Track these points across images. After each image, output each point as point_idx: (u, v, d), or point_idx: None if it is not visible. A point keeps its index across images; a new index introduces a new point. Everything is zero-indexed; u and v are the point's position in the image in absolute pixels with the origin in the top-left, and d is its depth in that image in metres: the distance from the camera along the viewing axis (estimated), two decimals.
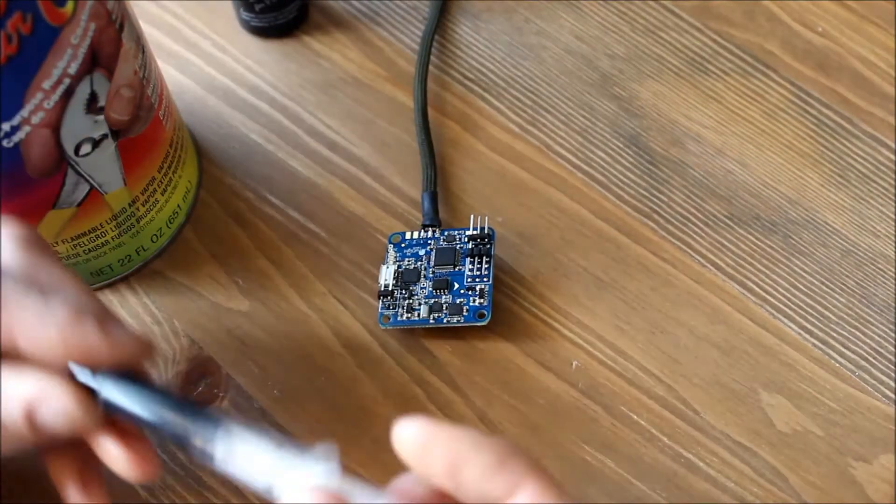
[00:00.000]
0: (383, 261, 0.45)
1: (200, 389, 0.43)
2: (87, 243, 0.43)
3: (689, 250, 0.46)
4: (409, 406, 0.42)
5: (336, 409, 0.43)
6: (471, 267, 0.44)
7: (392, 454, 0.42)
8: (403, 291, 0.44)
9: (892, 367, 0.43)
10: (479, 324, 0.43)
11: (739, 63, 0.50)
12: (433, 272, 0.44)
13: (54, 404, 0.33)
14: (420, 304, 0.44)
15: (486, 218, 0.45)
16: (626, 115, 0.49)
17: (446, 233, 0.45)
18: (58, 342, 0.33)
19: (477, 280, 0.44)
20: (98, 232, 0.43)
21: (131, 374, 0.34)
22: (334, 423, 0.42)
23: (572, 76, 0.50)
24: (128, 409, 0.34)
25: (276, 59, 0.52)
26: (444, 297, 0.44)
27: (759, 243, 0.46)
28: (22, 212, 0.40)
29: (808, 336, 0.43)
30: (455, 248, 0.45)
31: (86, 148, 0.40)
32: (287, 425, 0.42)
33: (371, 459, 0.41)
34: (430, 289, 0.44)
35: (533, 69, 0.51)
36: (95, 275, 0.45)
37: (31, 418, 0.33)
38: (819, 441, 0.41)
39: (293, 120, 0.50)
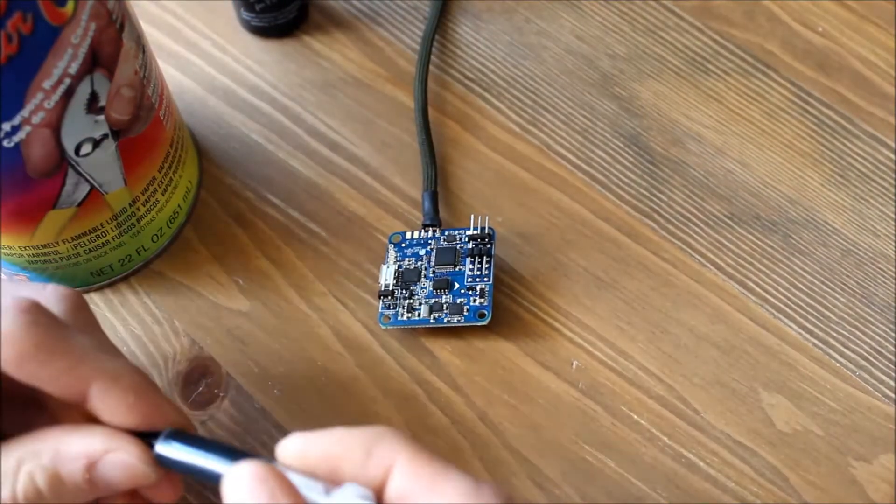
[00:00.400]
0: (384, 261, 0.45)
1: (200, 389, 0.44)
2: (87, 243, 0.43)
3: (690, 250, 0.46)
4: (408, 406, 0.43)
5: (336, 408, 0.43)
6: (471, 267, 0.44)
7: None
8: (404, 291, 0.44)
9: (893, 367, 0.43)
10: (479, 323, 0.43)
11: (740, 63, 0.50)
12: (433, 272, 0.44)
13: (117, 459, 0.34)
14: (420, 304, 0.44)
15: (487, 218, 0.45)
16: (627, 114, 0.49)
17: (447, 232, 0.45)
18: (132, 406, 0.34)
19: (477, 280, 0.44)
20: (98, 232, 0.43)
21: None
22: (334, 423, 0.42)
23: (573, 76, 0.50)
24: (183, 461, 0.34)
25: (277, 59, 0.52)
26: (444, 296, 0.44)
27: (759, 243, 0.46)
28: (22, 212, 0.41)
29: (808, 336, 0.43)
30: (455, 247, 0.45)
31: (86, 148, 0.40)
32: (287, 425, 0.42)
33: None
34: (431, 288, 0.44)
35: (533, 69, 0.51)
36: (96, 275, 0.45)
37: (91, 474, 0.34)
38: (819, 441, 0.41)
39: (293, 120, 0.50)
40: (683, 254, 0.46)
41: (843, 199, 0.46)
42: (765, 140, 0.48)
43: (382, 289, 0.44)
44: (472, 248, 0.44)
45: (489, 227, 0.45)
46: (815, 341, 0.43)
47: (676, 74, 0.50)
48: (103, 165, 0.41)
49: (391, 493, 0.31)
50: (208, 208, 0.48)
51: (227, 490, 0.32)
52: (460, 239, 0.45)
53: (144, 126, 0.42)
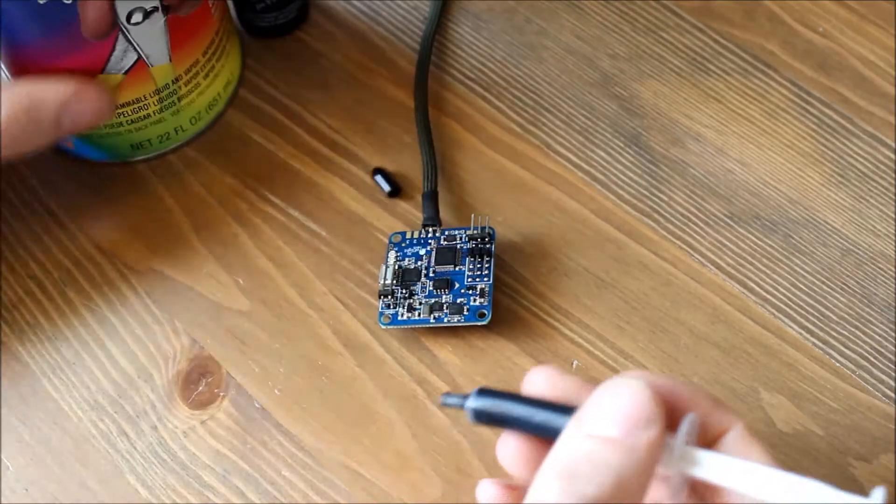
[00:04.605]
0: (384, 260, 0.45)
1: (201, 389, 0.44)
2: (129, 113, 0.46)
3: (690, 249, 0.46)
4: (408, 405, 0.43)
5: (336, 408, 0.43)
6: (471, 266, 0.44)
7: (392, 454, 0.42)
8: (404, 291, 0.44)
9: (893, 367, 0.43)
10: (479, 323, 0.43)
11: (740, 63, 0.50)
12: (433, 272, 0.44)
13: (87, 103, 0.42)
14: (420, 304, 0.44)
15: (487, 218, 0.45)
16: (627, 114, 0.49)
17: (447, 232, 0.45)
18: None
19: (477, 279, 0.44)
20: (141, 104, 0.46)
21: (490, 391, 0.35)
22: (334, 423, 0.42)
23: (573, 76, 0.50)
24: (505, 414, 0.34)
25: (277, 58, 0.52)
26: (444, 296, 0.44)
27: (759, 243, 0.46)
28: (74, 73, 0.43)
29: (808, 335, 0.43)
30: (455, 247, 0.45)
31: (137, 17, 0.42)
32: (287, 425, 0.42)
33: (371, 459, 0.41)
34: (431, 288, 0.44)
35: (533, 69, 0.51)
36: (136, 147, 0.48)
37: (60, 117, 0.41)
38: (819, 440, 0.41)
39: (293, 119, 0.50)
40: (683, 253, 0.46)
41: (844, 199, 0.46)
42: (765, 140, 0.48)
43: (382, 288, 0.44)
44: (472, 247, 0.44)
45: (489, 227, 0.45)
46: (816, 341, 0.43)
47: (677, 74, 0.50)
48: (151, 37, 0.43)
49: (721, 449, 0.32)
50: (209, 208, 0.48)
51: (618, 397, 0.31)
52: (460, 238, 0.45)
53: (192, 9, 0.44)
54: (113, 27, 0.42)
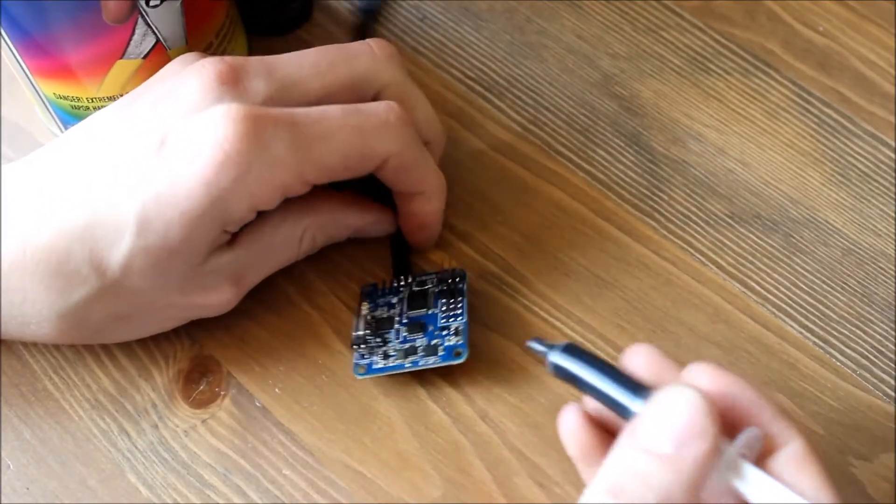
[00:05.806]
0: (355, 312, 0.44)
1: (201, 388, 0.44)
2: None
3: (691, 249, 0.46)
4: (409, 404, 0.43)
5: (337, 407, 0.43)
6: (444, 308, 0.43)
7: (393, 453, 0.42)
8: (378, 339, 0.43)
9: (893, 366, 0.43)
10: (456, 362, 0.42)
11: (741, 62, 0.50)
12: (407, 317, 0.43)
13: (378, 229, 0.46)
14: (395, 351, 0.42)
15: (454, 260, 0.45)
16: (628, 114, 0.49)
17: (418, 278, 0.44)
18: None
19: (451, 319, 0.43)
20: None
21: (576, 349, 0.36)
22: (335, 422, 0.42)
23: (573, 75, 0.50)
24: (582, 379, 0.35)
25: None
26: (418, 339, 0.43)
27: (760, 242, 0.46)
28: (94, 60, 0.43)
29: (808, 335, 0.43)
30: (427, 290, 0.44)
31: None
32: (288, 424, 0.42)
33: (372, 458, 0.41)
34: (405, 333, 0.43)
35: (534, 68, 0.51)
36: None
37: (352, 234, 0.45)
38: (820, 440, 0.41)
39: None
40: (684, 253, 0.46)
41: (844, 199, 0.47)
42: (765, 139, 0.48)
43: (355, 339, 0.42)
44: (444, 289, 0.44)
45: (459, 269, 0.44)
46: (816, 340, 0.43)
47: (677, 74, 0.50)
48: (168, 19, 0.43)
49: (773, 465, 0.32)
50: None
51: (662, 415, 0.32)
52: (431, 283, 0.44)
53: None
54: (132, 11, 0.42)
